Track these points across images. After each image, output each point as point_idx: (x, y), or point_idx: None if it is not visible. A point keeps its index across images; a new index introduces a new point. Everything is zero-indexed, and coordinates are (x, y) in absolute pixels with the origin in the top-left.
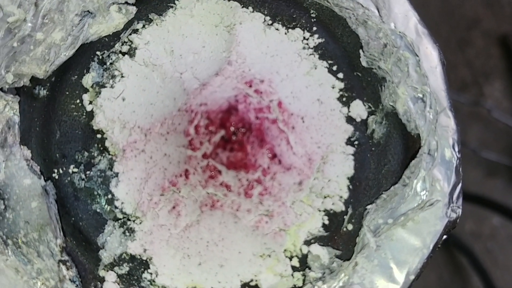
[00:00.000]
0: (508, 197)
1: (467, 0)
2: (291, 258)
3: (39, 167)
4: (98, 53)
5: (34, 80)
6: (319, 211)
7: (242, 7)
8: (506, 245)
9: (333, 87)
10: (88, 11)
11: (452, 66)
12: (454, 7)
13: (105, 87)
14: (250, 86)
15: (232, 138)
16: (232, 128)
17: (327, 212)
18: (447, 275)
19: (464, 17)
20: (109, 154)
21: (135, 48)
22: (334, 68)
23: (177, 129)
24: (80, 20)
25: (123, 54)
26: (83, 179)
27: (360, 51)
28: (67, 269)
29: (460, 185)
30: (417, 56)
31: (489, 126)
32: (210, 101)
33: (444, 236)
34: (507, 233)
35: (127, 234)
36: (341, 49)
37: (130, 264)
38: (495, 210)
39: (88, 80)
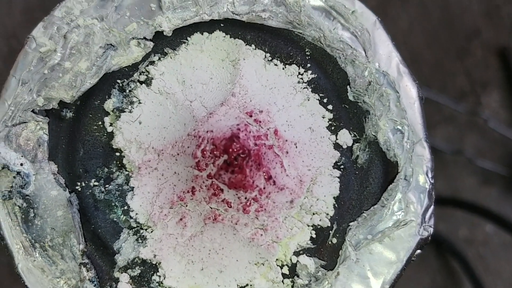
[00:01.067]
0: (502, 206)
1: (468, 10)
2: (282, 267)
3: (64, 180)
4: (118, 81)
5: (61, 103)
6: (308, 226)
7: (246, 44)
8: (498, 251)
9: (323, 117)
10: (111, 44)
11: (450, 75)
12: (455, 17)
13: (124, 111)
14: (251, 116)
15: (233, 162)
16: (233, 154)
17: (315, 227)
18: (440, 280)
19: (464, 27)
20: (126, 171)
21: (152, 78)
22: (325, 100)
23: (186, 152)
24: (104, 52)
25: (141, 83)
26: (102, 192)
27: (348, 87)
28: (87, 270)
29: (432, 207)
30: (398, 92)
31: (485, 135)
32: (216, 128)
33: (418, 251)
34: (499, 240)
35: (140, 241)
36: (331, 84)
37: (142, 268)
38: (488, 218)
39: (109, 105)
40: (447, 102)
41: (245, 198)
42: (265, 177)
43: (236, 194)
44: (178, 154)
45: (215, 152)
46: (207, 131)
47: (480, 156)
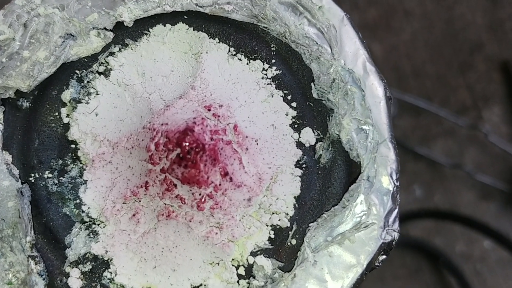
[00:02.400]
0: (501, 222)
1: (471, 24)
2: (237, 267)
3: (18, 171)
4: (77, 71)
5: (18, 93)
6: (267, 226)
7: (209, 37)
8: (495, 268)
9: (286, 115)
10: (70, 34)
11: (453, 88)
12: (458, 31)
13: (81, 102)
14: (209, 109)
15: (186, 156)
16: (187, 147)
17: (274, 227)
18: None
19: (468, 41)
20: (80, 163)
21: (111, 69)
22: (289, 97)
23: (141, 145)
24: (63, 41)
25: (100, 74)
26: (56, 184)
27: (312, 83)
28: (36, 263)
29: (396, 210)
30: (363, 91)
31: (485, 150)
32: (171, 121)
33: (384, 256)
34: (497, 256)
35: (92, 236)
36: (296, 81)
37: (93, 263)
38: (486, 234)
39: (66, 95)
40: (448, 115)
41: (200, 194)
42: (221, 173)
43: (190, 190)
44: (132, 147)
45: (168, 146)
46: (162, 124)
47: (480, 170)
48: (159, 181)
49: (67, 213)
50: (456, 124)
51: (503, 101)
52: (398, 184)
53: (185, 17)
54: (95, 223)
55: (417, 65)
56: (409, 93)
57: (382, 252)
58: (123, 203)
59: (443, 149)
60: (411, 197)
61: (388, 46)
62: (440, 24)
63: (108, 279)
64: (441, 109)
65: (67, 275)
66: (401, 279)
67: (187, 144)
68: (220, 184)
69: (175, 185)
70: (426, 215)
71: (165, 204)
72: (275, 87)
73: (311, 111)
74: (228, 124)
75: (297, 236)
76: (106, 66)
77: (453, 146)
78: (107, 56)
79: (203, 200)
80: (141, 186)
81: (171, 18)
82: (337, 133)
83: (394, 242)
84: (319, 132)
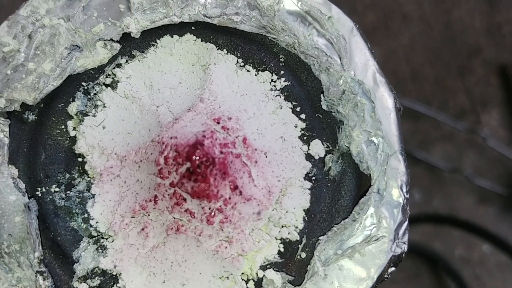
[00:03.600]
0: (499, 225)
1: (469, 28)
2: (247, 281)
3: (24, 185)
4: (83, 84)
5: (24, 105)
6: (276, 239)
7: (218, 49)
8: (494, 271)
9: (295, 126)
10: (76, 45)
11: (451, 92)
12: (457, 35)
13: (88, 115)
14: (218, 122)
15: (196, 170)
16: (197, 161)
17: (283, 241)
18: None
19: (466, 45)
20: (88, 177)
21: (118, 81)
22: (298, 109)
23: (149, 158)
24: (69, 53)
25: (106, 86)
26: (63, 198)
27: (321, 95)
28: (44, 279)
29: (406, 223)
30: (373, 102)
31: (484, 154)
32: (180, 135)
33: (393, 268)
34: (496, 260)
35: (100, 250)
36: (305, 92)
37: (101, 278)
38: (485, 238)
39: (73, 108)
40: (447, 119)
41: (209, 208)
42: (231, 186)
43: (200, 204)
44: (141, 161)
45: (178, 159)
46: (171, 137)
47: (479, 174)
48: (168, 195)
49: (75, 227)
50: (455, 128)
51: (501, 105)
52: (408, 196)
53: (193, 28)
54: (103, 238)
55: (416, 69)
56: (408, 97)
57: (391, 265)
58: (131, 217)
59: (442, 153)
60: (410, 201)
61: (386, 50)
62: (438, 28)
63: None
64: (439, 113)
65: None
66: (401, 283)
67: (197, 158)
68: (229, 198)
69: (185, 199)
70: (425, 220)
71: (174, 218)
72: (284, 99)
73: (320, 123)
74: (237, 137)
75: (306, 250)
76: (113, 78)
77: (451, 150)
78: (114, 68)
79: (212, 214)
80: (150, 200)
81: (179, 29)
82: (347, 145)
83: (403, 255)
84: (328, 144)
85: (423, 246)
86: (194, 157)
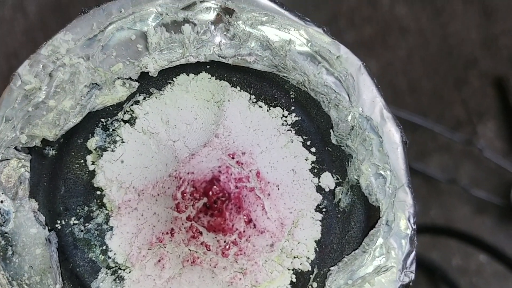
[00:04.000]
0: (496, 236)
1: (466, 40)
2: None
3: (44, 218)
4: (102, 120)
5: (44, 141)
6: (288, 270)
7: (231, 86)
8: (491, 281)
9: (306, 160)
10: (96, 83)
11: (447, 104)
12: (453, 47)
13: (106, 150)
14: (233, 157)
15: (213, 205)
16: (213, 197)
17: (295, 271)
18: None
19: (462, 57)
20: (106, 210)
21: (136, 118)
22: (308, 143)
23: (167, 192)
24: (88, 91)
25: (125, 122)
26: (82, 231)
27: (331, 130)
28: None
29: (413, 253)
30: (381, 137)
31: (480, 165)
32: (197, 170)
33: None
34: (493, 270)
35: (118, 281)
36: (315, 127)
37: None
38: (482, 248)
39: (92, 143)
40: (443, 131)
41: (224, 241)
42: (245, 220)
43: (215, 237)
44: (158, 195)
45: (195, 195)
46: (188, 173)
47: (475, 185)
48: (184, 228)
49: (93, 259)
50: (452, 139)
51: (497, 116)
52: (415, 227)
53: (208, 66)
54: (120, 269)
55: (413, 81)
56: (405, 109)
57: None
58: (148, 249)
59: (439, 164)
60: None
61: (384, 62)
62: (435, 41)
63: None
64: (436, 125)
65: None
66: None
67: (214, 193)
68: (244, 231)
69: (201, 233)
70: (422, 230)
71: (190, 250)
72: (295, 133)
73: (330, 156)
74: (250, 171)
75: (318, 280)
76: (131, 115)
77: (448, 161)
78: (132, 105)
79: (227, 247)
80: (167, 233)
81: (194, 67)
82: (356, 178)
83: (411, 283)
84: (338, 176)
85: (420, 256)
86: (210, 192)
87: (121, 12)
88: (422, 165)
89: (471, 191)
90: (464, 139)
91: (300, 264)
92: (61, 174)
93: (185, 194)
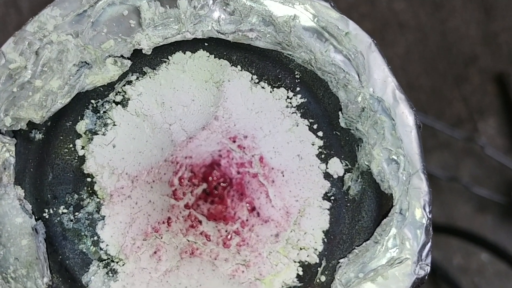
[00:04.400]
0: (497, 234)
1: (466, 37)
2: None
3: (31, 206)
4: (92, 101)
5: (30, 124)
6: (294, 262)
7: (231, 65)
8: (493, 280)
9: (313, 144)
10: (85, 62)
11: (448, 101)
12: (453, 44)
13: (97, 134)
14: (234, 141)
15: (213, 191)
16: (214, 183)
17: (302, 264)
18: None
19: (462, 53)
20: (97, 198)
21: (128, 99)
22: (315, 126)
23: (163, 179)
24: (78, 70)
25: (116, 103)
26: (71, 220)
27: (340, 112)
28: None
29: (429, 244)
30: (393, 120)
31: (481, 162)
32: (195, 154)
33: None
34: (494, 269)
35: (110, 274)
36: (322, 109)
37: None
38: (483, 247)
39: (81, 126)
40: (444, 128)
41: (226, 231)
42: (248, 208)
43: (216, 227)
44: (153, 181)
45: (193, 180)
46: (186, 157)
47: (476, 183)
48: (182, 217)
49: (84, 250)
50: (452, 137)
51: (498, 113)
52: (430, 216)
53: (206, 44)
54: (113, 261)
55: (412, 78)
56: None
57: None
58: (143, 240)
59: (439, 162)
60: None
61: None
62: (434, 37)
63: None
64: (436, 122)
65: None
66: None
67: (214, 178)
68: (247, 220)
69: (200, 222)
70: None
71: (189, 241)
72: (300, 116)
73: (338, 140)
74: (253, 156)
75: (326, 273)
76: (123, 96)
77: (449, 159)
78: (124, 85)
79: (229, 237)
80: (163, 222)
81: (191, 45)
82: (367, 163)
83: (426, 277)
84: (347, 162)
85: None
86: (210, 178)
87: None
88: None
89: (472, 189)
90: (465, 136)
91: (307, 256)
92: (49, 160)
93: (182, 180)
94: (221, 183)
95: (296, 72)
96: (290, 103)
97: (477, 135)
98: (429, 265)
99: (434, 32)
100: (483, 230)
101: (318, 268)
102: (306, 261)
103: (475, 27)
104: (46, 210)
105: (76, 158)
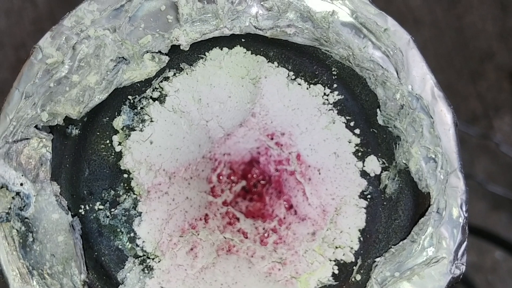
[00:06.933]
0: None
1: (482, 33)
2: None
3: (67, 202)
4: (130, 97)
5: (67, 119)
6: (330, 260)
7: (268, 61)
8: (507, 278)
9: (349, 142)
10: (123, 57)
11: (463, 98)
12: (469, 40)
13: (134, 130)
14: (272, 138)
15: (252, 189)
16: (253, 180)
17: (337, 262)
18: None
19: (478, 49)
20: (134, 194)
21: (165, 95)
22: (352, 124)
23: (200, 175)
24: (115, 65)
25: (154, 100)
26: (107, 217)
27: (378, 110)
28: None
29: (465, 243)
30: (432, 118)
31: (496, 159)
32: (234, 151)
33: None
34: (508, 267)
35: (146, 271)
36: (359, 106)
37: None
38: (497, 244)
39: (118, 122)
40: (459, 125)
41: (263, 228)
42: (286, 206)
43: (254, 224)
44: (191, 178)
45: (232, 177)
46: (224, 154)
47: (491, 180)
48: (220, 214)
49: (120, 247)
50: (467, 133)
51: None
52: (467, 215)
53: (243, 40)
54: (149, 258)
55: None
56: None
57: (449, 286)
58: (180, 237)
59: None
60: None
61: None
62: (450, 33)
63: None
64: None
65: None
66: None
67: (253, 176)
68: (284, 218)
69: (238, 219)
70: None
71: (226, 238)
72: (337, 113)
73: (375, 138)
74: (290, 153)
75: (362, 272)
76: (160, 92)
77: (464, 156)
78: (161, 81)
79: (266, 234)
80: (200, 219)
81: (228, 41)
82: (405, 162)
83: (461, 276)
84: (384, 160)
85: None
86: (250, 175)
87: None
88: None
89: (487, 186)
90: (480, 133)
91: (343, 255)
92: (85, 156)
93: (221, 177)
94: (260, 181)
95: (333, 69)
96: (327, 100)
97: (492, 132)
98: (465, 264)
99: (450, 28)
100: (498, 228)
101: (354, 267)
102: (341, 260)
103: (491, 23)
104: (82, 206)
105: (113, 154)
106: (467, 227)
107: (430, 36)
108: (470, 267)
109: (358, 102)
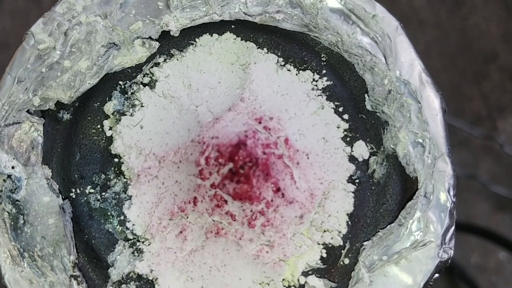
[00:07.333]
0: None
1: (485, 34)
2: (288, 287)
3: (58, 186)
4: (120, 82)
5: (58, 104)
6: (318, 244)
7: (258, 48)
8: (511, 280)
9: (338, 127)
10: (113, 43)
11: (467, 98)
12: (473, 40)
13: (125, 115)
14: (260, 122)
15: (239, 171)
16: (240, 162)
17: (326, 246)
18: None
19: (482, 50)
20: (124, 178)
21: (156, 80)
22: (340, 109)
23: (189, 159)
24: (106, 51)
25: (144, 85)
26: (98, 200)
27: (366, 95)
28: (78, 284)
29: (453, 227)
30: (420, 103)
31: (500, 160)
32: (222, 134)
33: (436, 275)
34: None
35: (136, 254)
36: (348, 92)
37: (137, 283)
38: (501, 245)
39: (109, 107)
40: (463, 126)
41: (251, 211)
42: (273, 188)
43: (241, 206)
44: (180, 162)
45: (219, 160)
46: (212, 137)
47: (495, 181)
48: (208, 196)
49: (110, 230)
50: (471, 134)
51: None
52: (455, 200)
53: (233, 26)
54: (139, 241)
55: (431, 75)
56: None
57: (437, 271)
58: (169, 220)
59: (458, 160)
60: None
61: None
62: (454, 34)
63: None
64: (455, 120)
65: None
66: None
67: (240, 158)
68: (272, 200)
69: (226, 201)
70: None
71: (214, 221)
72: (326, 99)
73: (364, 123)
74: (278, 137)
75: (350, 255)
76: (151, 77)
77: (467, 156)
78: (151, 67)
79: (254, 217)
80: (189, 202)
81: (218, 27)
82: (393, 146)
83: (449, 260)
84: (372, 145)
85: None
86: (237, 157)
87: None
88: None
89: (491, 187)
90: (484, 134)
91: (331, 238)
92: (77, 140)
93: (209, 160)
94: (247, 163)
95: (322, 55)
96: (316, 85)
97: (496, 133)
98: (453, 248)
99: (454, 29)
100: (502, 229)
101: (342, 251)
102: (330, 244)
103: (495, 24)
104: (73, 190)
105: (104, 138)
106: (455, 212)
107: (434, 37)
108: (473, 268)
109: (347, 88)
